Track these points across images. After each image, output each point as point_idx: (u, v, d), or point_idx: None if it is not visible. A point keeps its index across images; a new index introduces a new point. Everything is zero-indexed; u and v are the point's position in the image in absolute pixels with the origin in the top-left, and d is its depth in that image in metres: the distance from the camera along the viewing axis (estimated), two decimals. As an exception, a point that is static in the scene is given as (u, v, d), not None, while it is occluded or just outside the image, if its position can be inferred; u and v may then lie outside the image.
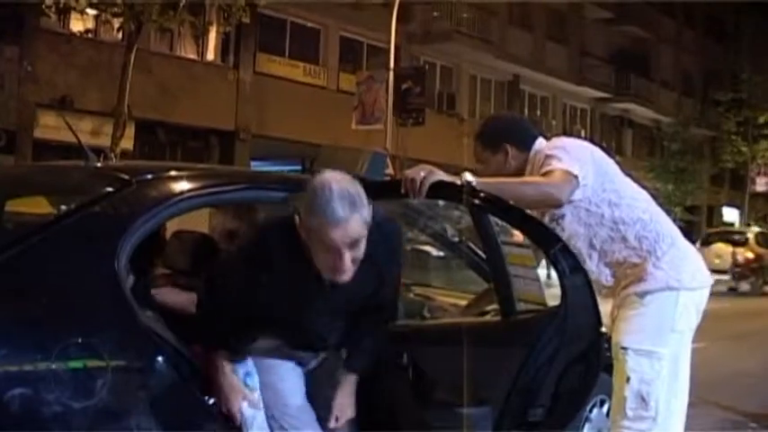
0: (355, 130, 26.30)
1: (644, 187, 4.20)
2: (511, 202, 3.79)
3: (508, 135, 4.20)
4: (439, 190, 3.69)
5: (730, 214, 55.65)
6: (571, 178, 3.84)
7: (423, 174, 3.62)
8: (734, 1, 46.34)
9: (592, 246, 4.05)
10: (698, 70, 51.41)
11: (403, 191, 3.65)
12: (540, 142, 4.18)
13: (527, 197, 3.87)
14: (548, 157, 3.92)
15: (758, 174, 51.23)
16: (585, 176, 3.90)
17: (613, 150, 45.26)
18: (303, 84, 28.34)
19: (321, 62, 29.87)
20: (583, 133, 42.90)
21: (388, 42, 26.19)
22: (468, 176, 3.72)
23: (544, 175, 3.87)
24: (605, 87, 42.56)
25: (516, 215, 3.87)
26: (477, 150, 4.27)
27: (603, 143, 44.26)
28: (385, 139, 25.22)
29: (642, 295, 3.95)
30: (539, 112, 40.10)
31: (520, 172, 4.11)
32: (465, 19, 33.01)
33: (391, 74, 26.13)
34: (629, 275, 4.00)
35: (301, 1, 26.38)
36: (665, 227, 4.12)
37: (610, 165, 4.12)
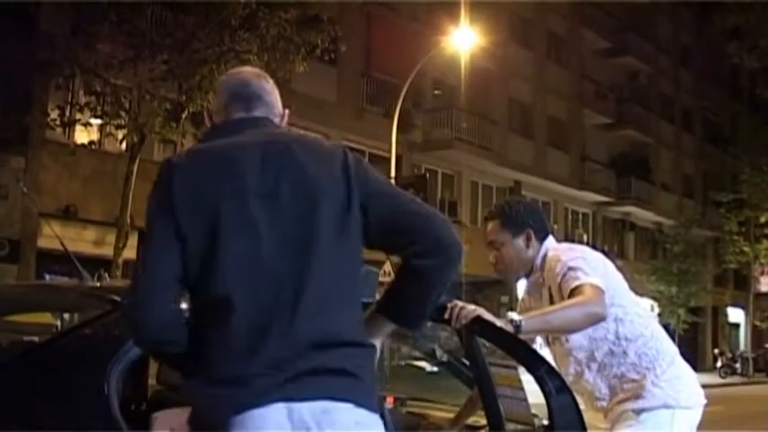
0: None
1: (640, 293, 4.21)
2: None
3: (532, 220, 4.17)
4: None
5: (735, 315, 55.45)
6: (602, 293, 3.80)
7: (471, 307, 3.63)
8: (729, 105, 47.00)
9: (593, 358, 4.03)
10: (697, 172, 51.84)
11: (447, 316, 3.64)
12: (552, 241, 4.18)
13: (576, 324, 3.82)
14: (571, 269, 3.87)
15: (761, 273, 51.16)
16: (602, 283, 3.86)
17: (615, 254, 45.34)
18: (307, 192, 28.41)
19: (325, 171, 30.04)
20: (585, 237, 43.03)
21: (390, 151, 26.42)
22: (514, 315, 3.70)
23: (574, 290, 3.80)
24: (606, 191, 42.83)
25: (503, 337, 3.81)
26: (492, 230, 4.19)
27: (605, 247, 44.33)
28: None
29: (639, 412, 3.93)
30: (541, 217, 40.20)
31: (528, 264, 4.12)
32: (465, 127, 33.38)
33: (393, 182, 26.21)
34: (627, 390, 3.98)
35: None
36: (665, 344, 4.11)
37: (619, 278, 4.11)
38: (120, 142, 20.11)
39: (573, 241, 37.11)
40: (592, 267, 3.90)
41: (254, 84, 2.95)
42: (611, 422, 4.03)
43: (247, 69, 3.09)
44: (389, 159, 26.56)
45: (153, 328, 2.63)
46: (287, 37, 19.61)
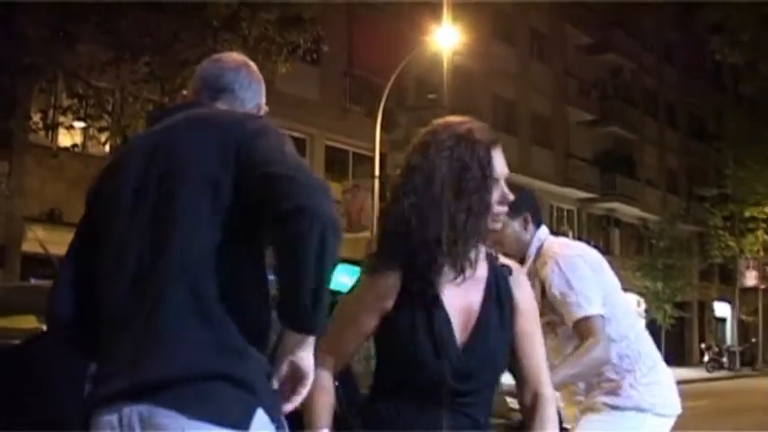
0: (342, 239, 26.32)
1: (627, 289, 4.20)
2: None
3: (529, 204, 4.18)
4: None
5: (722, 309, 55.61)
6: (602, 322, 3.86)
7: None
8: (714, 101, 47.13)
9: None
10: (682, 168, 51.96)
11: None
12: (545, 231, 4.20)
13: (589, 372, 3.91)
14: (572, 290, 3.92)
15: (747, 267, 51.32)
16: (600, 303, 3.91)
17: (601, 250, 45.32)
18: (290, 192, 28.39)
19: (307, 170, 30.04)
20: (570, 234, 43.03)
21: (373, 150, 26.40)
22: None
23: (578, 323, 3.87)
24: (591, 188, 42.93)
25: None
26: None
27: (591, 243, 44.43)
28: (371, 247, 25.19)
29: (611, 407, 3.96)
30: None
31: (523, 248, 4.13)
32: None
33: (377, 182, 26.23)
34: (604, 387, 3.99)
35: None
36: (648, 348, 4.13)
37: (612, 278, 4.14)
38: (104, 145, 20.05)
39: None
40: (587, 282, 3.93)
41: (227, 76, 2.88)
42: (582, 412, 4.06)
43: (229, 57, 3.01)
44: (373, 158, 26.54)
45: (52, 322, 2.72)
46: (269, 37, 19.55)
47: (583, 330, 3.84)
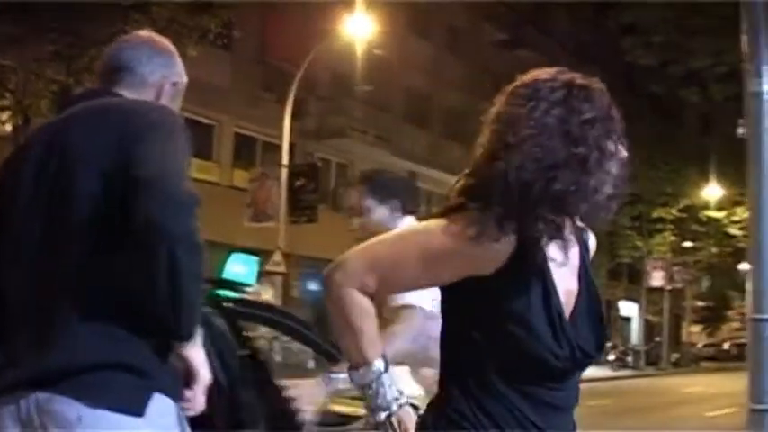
0: (248, 228, 26.01)
1: None
2: None
3: (401, 192, 4.01)
4: None
5: (628, 308, 56.42)
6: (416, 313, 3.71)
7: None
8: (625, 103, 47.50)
9: None
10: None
11: None
12: (411, 222, 3.92)
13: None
14: None
15: (654, 268, 52.05)
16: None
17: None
18: (195, 180, 27.72)
19: (214, 158, 29.65)
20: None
21: (282, 139, 26.07)
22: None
23: (397, 308, 3.70)
24: (501, 184, 43.03)
25: None
26: (356, 195, 4.04)
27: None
28: (277, 236, 24.94)
29: None
30: (436, 210, 40.27)
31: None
32: (359, 116, 33.18)
33: (284, 171, 25.88)
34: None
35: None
36: None
37: None
38: (4, 124, 19.65)
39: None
40: None
41: (126, 54, 2.85)
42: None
43: (134, 36, 3.00)
44: (281, 147, 26.23)
45: None
46: (179, 20, 19.20)
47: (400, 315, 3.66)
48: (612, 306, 54.17)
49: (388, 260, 2.34)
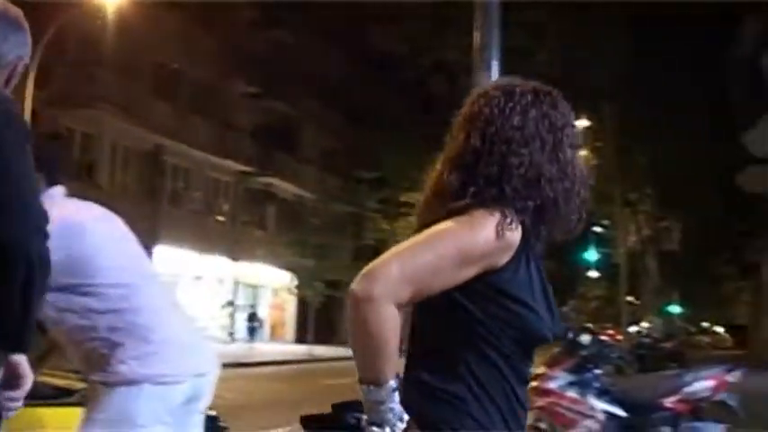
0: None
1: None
2: None
3: (45, 160, 3.69)
4: None
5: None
6: None
7: None
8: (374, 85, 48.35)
9: (62, 331, 3.81)
10: (342, 148, 52.80)
11: None
12: (58, 191, 3.79)
13: None
14: None
15: (398, 250, 53.17)
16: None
17: (256, 224, 45.68)
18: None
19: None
20: (226, 207, 42.98)
21: (24, 107, 25.06)
22: None
23: None
24: (249, 161, 42.92)
25: None
26: None
27: (247, 216, 44.62)
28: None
29: (107, 386, 3.73)
30: (182, 184, 39.83)
31: None
32: (106, 86, 32.33)
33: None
34: (98, 364, 3.76)
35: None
36: (147, 319, 3.86)
37: (103, 246, 3.81)
38: None
39: (214, 211, 36.88)
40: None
41: None
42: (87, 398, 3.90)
43: None
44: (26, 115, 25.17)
45: None
46: None
47: None
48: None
49: (424, 271, 2.33)
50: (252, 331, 40.72)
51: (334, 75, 49.66)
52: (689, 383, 9.34)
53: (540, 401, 7.86)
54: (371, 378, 2.29)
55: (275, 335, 47.34)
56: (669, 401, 9.01)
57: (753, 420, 10.24)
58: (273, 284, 47.23)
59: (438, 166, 2.63)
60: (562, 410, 7.86)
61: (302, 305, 44.44)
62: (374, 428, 2.28)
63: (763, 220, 42.01)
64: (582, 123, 37.94)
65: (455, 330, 2.42)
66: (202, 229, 39.79)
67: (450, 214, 2.44)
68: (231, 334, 40.81)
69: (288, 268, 42.04)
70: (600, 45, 34.98)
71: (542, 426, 7.88)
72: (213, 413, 5.05)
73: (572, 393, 7.95)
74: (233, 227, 42.92)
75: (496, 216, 2.40)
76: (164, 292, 4.11)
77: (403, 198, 47.42)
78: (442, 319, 2.39)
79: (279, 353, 36.27)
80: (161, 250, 33.48)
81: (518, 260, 2.45)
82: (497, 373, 2.44)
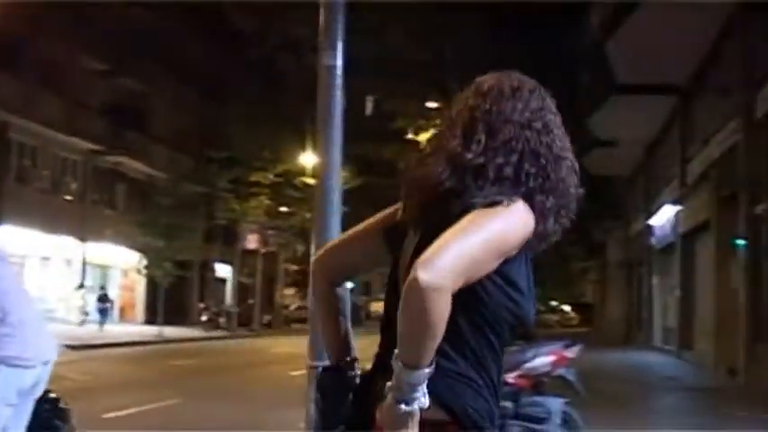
0: None
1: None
2: None
3: None
4: None
5: (223, 270, 57.07)
6: None
7: None
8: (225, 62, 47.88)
9: None
10: (194, 128, 52.16)
11: None
12: None
13: None
14: None
15: (249, 231, 53.01)
16: None
17: (106, 204, 44.84)
18: None
19: None
20: (74, 186, 42.03)
21: None
22: None
23: None
24: (99, 140, 42.02)
25: None
26: None
27: (96, 196, 43.76)
28: None
29: None
30: (29, 162, 38.78)
31: None
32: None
33: None
34: None
35: None
36: (2, 300, 4.00)
37: None
38: None
39: (62, 190, 36.12)
40: None
41: None
42: None
43: None
44: None
45: None
46: None
47: None
48: (207, 267, 54.58)
49: (480, 261, 2.41)
50: (103, 313, 40.00)
51: (188, 52, 48.96)
52: (530, 359, 9.60)
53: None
54: (415, 362, 2.33)
55: (125, 316, 46.63)
56: (510, 377, 9.24)
57: (592, 395, 10.60)
58: (123, 265, 46.46)
59: (438, 157, 2.62)
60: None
61: (152, 286, 43.80)
62: (402, 406, 2.33)
63: (610, 201, 43.40)
64: (431, 105, 38.65)
65: (466, 317, 2.49)
66: (50, 209, 38.79)
67: (475, 207, 2.49)
68: (85, 314, 39.99)
69: (137, 248, 41.35)
70: (452, 27, 35.42)
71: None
72: (54, 395, 4.99)
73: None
74: (81, 206, 41.96)
75: (524, 207, 2.51)
76: (15, 275, 4.17)
77: (254, 178, 47.27)
78: (455, 307, 2.37)
79: (128, 334, 35.80)
80: (6, 230, 32.50)
81: (522, 249, 2.54)
82: (496, 356, 2.57)
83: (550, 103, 2.70)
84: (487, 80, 2.73)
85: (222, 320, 48.95)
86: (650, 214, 35.25)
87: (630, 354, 29.76)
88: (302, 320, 60.82)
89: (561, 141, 2.66)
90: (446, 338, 2.38)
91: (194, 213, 44.59)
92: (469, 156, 2.56)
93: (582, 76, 36.71)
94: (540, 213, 2.55)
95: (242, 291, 56.09)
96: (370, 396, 2.54)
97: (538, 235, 2.56)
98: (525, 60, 37.49)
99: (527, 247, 2.54)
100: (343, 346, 2.80)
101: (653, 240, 34.23)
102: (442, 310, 2.29)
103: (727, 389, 19.05)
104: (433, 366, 2.35)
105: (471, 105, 2.65)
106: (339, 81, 6.01)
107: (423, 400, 2.35)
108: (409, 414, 2.34)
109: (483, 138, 2.58)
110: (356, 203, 54.09)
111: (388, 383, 2.35)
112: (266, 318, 54.74)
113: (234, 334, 45.29)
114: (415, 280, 2.26)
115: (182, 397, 12.78)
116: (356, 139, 36.84)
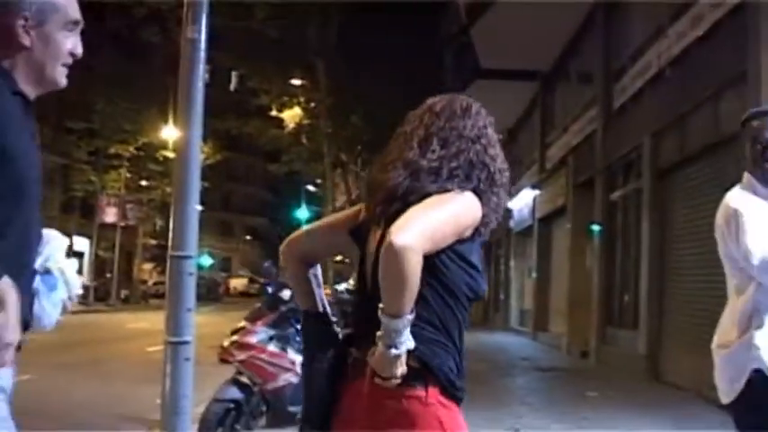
0: None
1: None
2: None
3: None
4: None
5: (80, 243, 55.95)
6: None
7: None
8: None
9: None
10: (53, 97, 50.79)
11: None
12: None
13: None
14: None
15: (107, 204, 52.04)
16: None
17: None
18: None
19: None
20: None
21: None
22: None
23: None
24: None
25: None
26: None
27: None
28: None
29: None
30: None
31: None
32: None
33: None
34: None
35: None
36: None
37: None
38: None
39: None
40: None
41: None
42: None
43: None
44: None
45: None
46: None
47: None
48: (63, 240, 53.43)
49: (440, 231, 2.86)
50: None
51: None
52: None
53: (242, 355, 7.93)
54: (396, 311, 2.72)
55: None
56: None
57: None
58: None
59: (396, 165, 3.04)
60: (263, 364, 7.97)
61: None
62: (392, 350, 2.74)
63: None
64: (295, 82, 38.51)
65: (431, 289, 2.90)
66: None
67: (431, 195, 2.94)
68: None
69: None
70: (317, 5, 35.31)
71: (243, 379, 7.96)
72: None
73: (272, 348, 8.06)
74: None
75: (473, 197, 2.99)
76: None
77: (114, 150, 46.45)
78: (422, 281, 2.77)
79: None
80: None
81: (475, 234, 3.00)
82: (458, 324, 3.00)
83: (490, 122, 3.20)
84: (439, 102, 3.17)
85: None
86: (510, 197, 35.79)
87: (487, 335, 30.20)
88: (160, 296, 60.13)
89: (501, 153, 3.17)
90: (418, 309, 2.78)
91: (51, 185, 43.61)
92: (424, 162, 3.00)
93: (449, 60, 37.01)
94: (486, 206, 3.01)
95: (100, 265, 55.15)
96: (348, 356, 3.02)
97: (485, 224, 3.01)
98: (396, 45, 37.73)
99: (478, 233, 2.99)
100: (317, 304, 3.24)
101: (511, 223, 34.76)
102: (414, 265, 2.68)
103: (580, 370, 19.55)
104: (414, 314, 2.75)
105: (426, 123, 3.10)
106: (202, 55, 5.97)
107: (408, 343, 2.75)
108: (398, 357, 2.75)
109: (438, 149, 3.02)
110: (217, 178, 53.74)
111: (378, 333, 2.74)
112: (124, 292, 54.01)
113: (90, 309, 44.43)
114: (391, 244, 2.66)
115: (35, 373, 12.52)
116: (220, 113, 36.65)
